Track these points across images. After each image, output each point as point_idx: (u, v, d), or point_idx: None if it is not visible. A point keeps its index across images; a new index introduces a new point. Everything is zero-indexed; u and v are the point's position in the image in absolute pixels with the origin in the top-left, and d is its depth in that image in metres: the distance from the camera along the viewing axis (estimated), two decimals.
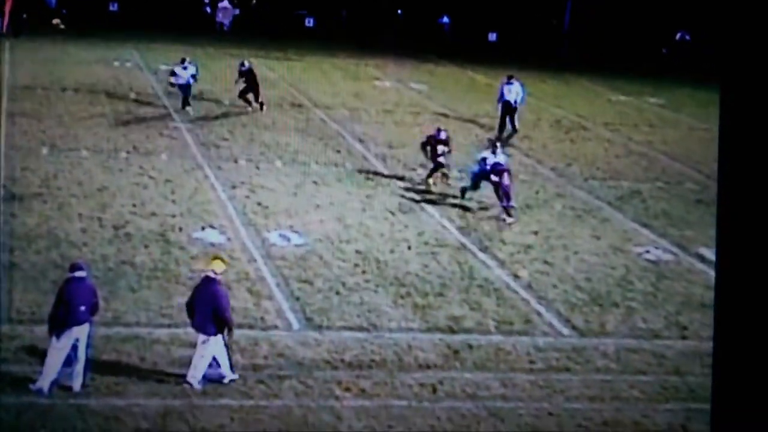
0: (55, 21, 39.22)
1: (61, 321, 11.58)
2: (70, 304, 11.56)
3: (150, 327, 13.75)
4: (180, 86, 26.23)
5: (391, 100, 31.47)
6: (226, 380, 12.32)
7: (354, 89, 32.70)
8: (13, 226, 16.97)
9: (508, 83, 27.30)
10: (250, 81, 27.16)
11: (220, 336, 12.26)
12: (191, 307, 12.43)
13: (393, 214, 19.78)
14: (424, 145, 22.14)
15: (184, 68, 26.30)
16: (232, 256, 16.63)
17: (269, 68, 34.61)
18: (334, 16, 46.92)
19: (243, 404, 11.93)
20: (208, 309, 12.18)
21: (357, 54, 39.50)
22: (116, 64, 32.38)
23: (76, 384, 11.67)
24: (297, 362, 12.92)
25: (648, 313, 15.82)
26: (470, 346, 14.14)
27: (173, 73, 26.38)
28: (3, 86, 27.38)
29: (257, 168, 22.00)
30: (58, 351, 11.58)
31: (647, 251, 18.83)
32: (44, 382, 11.57)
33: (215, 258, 12.88)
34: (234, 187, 20.44)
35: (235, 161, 22.26)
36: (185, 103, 26.09)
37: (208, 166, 21.68)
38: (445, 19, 48.21)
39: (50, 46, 34.28)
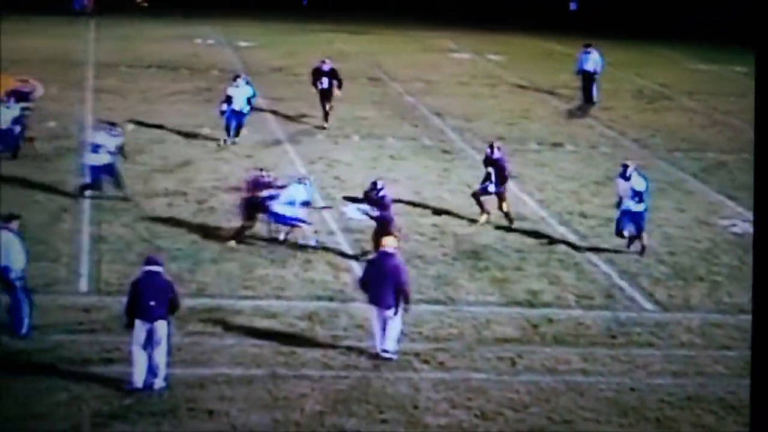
0: None
1: (132, 315, 11.40)
2: (141, 299, 11.31)
3: (233, 299, 14.00)
4: (232, 114, 20.91)
5: (467, 72, 31.29)
6: (388, 354, 12.46)
7: (430, 62, 32.57)
8: (99, 201, 17.40)
9: (586, 52, 26.94)
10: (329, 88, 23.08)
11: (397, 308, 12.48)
12: (368, 281, 12.59)
13: (470, 187, 19.68)
14: None
15: (236, 87, 21.07)
16: (311, 230, 16.80)
17: (345, 42, 34.71)
18: None
19: (323, 374, 12.08)
20: (390, 282, 12.36)
21: (433, 26, 39.30)
22: (198, 41, 32.79)
23: (157, 383, 11.39)
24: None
25: (733, 287, 15.54)
26: (550, 320, 14.07)
27: (227, 100, 20.92)
28: (89, 63, 27.97)
29: (335, 142, 22.12)
30: (137, 347, 11.33)
31: (733, 224, 18.47)
32: (137, 379, 11.37)
33: (388, 236, 13.35)
34: (312, 161, 20.60)
35: (313, 136, 22.41)
36: (235, 133, 21.12)
37: (288, 141, 21.87)
38: None
39: (133, 24, 34.89)
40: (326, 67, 22.97)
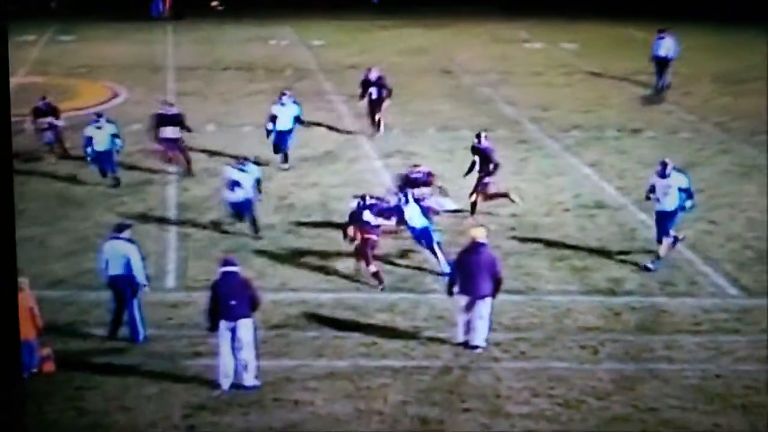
0: (214, 3, 40.52)
1: (215, 316, 11.53)
2: (221, 299, 11.40)
3: (315, 292, 14.22)
4: (278, 135, 19.41)
5: (541, 61, 31.09)
6: (478, 348, 12.57)
7: (503, 52, 32.45)
8: (184, 199, 17.82)
9: (660, 38, 26.57)
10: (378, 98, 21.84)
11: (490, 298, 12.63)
12: (462, 271, 12.62)
13: (548, 176, 19.65)
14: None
15: (282, 105, 19.51)
16: (388, 222, 16.93)
17: (419, 36, 34.79)
18: None
19: (405, 365, 12.21)
20: (485, 272, 12.50)
21: (505, 17, 39.10)
22: (273, 41, 33.21)
23: (248, 380, 11.52)
24: (455, 324, 13.07)
25: None
26: (632, 308, 13.98)
27: (272, 119, 19.43)
28: (169, 67, 28.58)
29: (410, 136, 22.23)
30: (222, 347, 11.46)
31: None
32: (224, 381, 11.49)
33: (476, 227, 13.59)
34: (388, 155, 20.74)
35: (389, 129, 22.54)
36: (283, 158, 19.63)
37: (363, 136, 22.04)
38: None
39: (210, 28, 35.49)
40: (374, 76, 21.91)
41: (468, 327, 12.66)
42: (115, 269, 12.28)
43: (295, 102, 19.67)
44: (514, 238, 16.50)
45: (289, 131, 19.40)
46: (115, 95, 25.14)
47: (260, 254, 15.41)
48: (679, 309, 13.95)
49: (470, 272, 12.57)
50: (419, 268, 15.13)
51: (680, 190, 15.18)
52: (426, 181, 16.39)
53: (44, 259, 15.01)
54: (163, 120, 18.57)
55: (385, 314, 13.61)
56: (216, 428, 10.82)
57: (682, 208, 15.29)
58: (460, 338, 12.71)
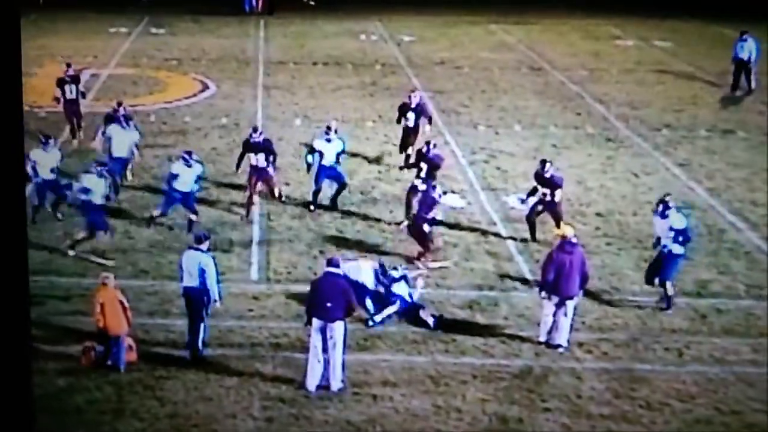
0: None
1: (309, 313, 11.48)
2: (317, 298, 11.45)
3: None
4: (322, 169, 17.18)
5: (632, 58, 30.54)
6: (560, 349, 12.51)
7: (594, 49, 31.98)
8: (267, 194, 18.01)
9: (742, 40, 25.88)
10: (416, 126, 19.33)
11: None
12: (555, 270, 12.43)
13: (636, 175, 19.32)
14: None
15: (328, 140, 17.19)
16: (471, 219, 16.91)
17: (506, 33, 34.54)
18: None
19: (484, 362, 12.16)
20: (575, 271, 12.42)
21: (597, 13, 38.53)
22: (362, 37, 33.35)
23: (334, 384, 11.49)
24: (536, 323, 12.95)
25: None
26: (718, 311, 13.68)
27: (312, 150, 17.37)
28: (259, 61, 28.94)
29: (496, 133, 22.08)
30: (313, 346, 11.49)
31: None
32: (309, 381, 11.50)
33: (565, 224, 13.41)
34: (474, 152, 20.64)
35: (475, 127, 22.45)
36: (332, 199, 17.36)
37: (449, 133, 21.98)
38: None
39: (300, 22, 35.78)
40: (414, 102, 19.47)
41: (552, 326, 12.54)
42: (190, 280, 12.00)
43: (339, 137, 17.40)
44: (600, 236, 16.28)
45: (336, 168, 17.18)
46: (205, 88, 25.55)
47: (341, 245, 15.49)
48: (765, 312, 13.58)
49: (561, 271, 12.41)
50: (498, 266, 15.02)
51: (674, 230, 13.62)
52: (438, 164, 16.40)
53: (130, 251, 15.32)
54: (250, 148, 16.95)
55: (465, 311, 13.56)
56: (295, 421, 10.92)
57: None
58: (543, 337, 12.60)
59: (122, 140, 17.47)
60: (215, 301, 12.10)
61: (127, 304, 11.85)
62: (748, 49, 25.73)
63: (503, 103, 24.57)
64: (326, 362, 11.47)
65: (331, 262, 11.78)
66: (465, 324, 13.16)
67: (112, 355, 11.79)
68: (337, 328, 11.42)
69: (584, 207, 17.56)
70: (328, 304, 11.38)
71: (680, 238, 13.57)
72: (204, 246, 12.15)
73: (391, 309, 13.23)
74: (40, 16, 34.50)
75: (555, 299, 12.49)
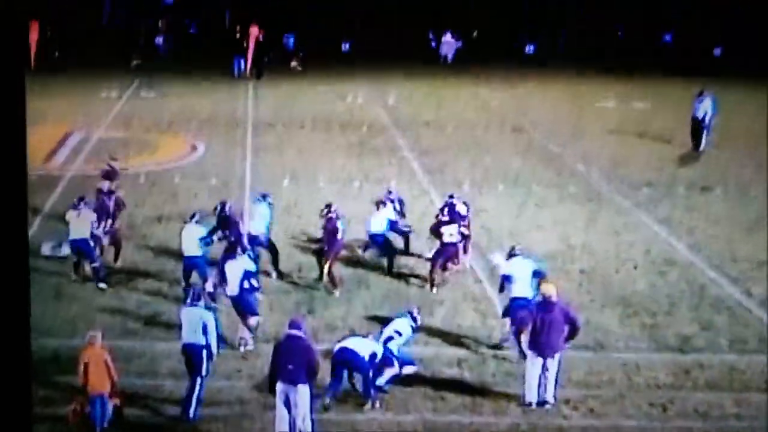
0: (293, 63, 41.49)
1: (272, 377, 11.52)
2: (280, 361, 11.40)
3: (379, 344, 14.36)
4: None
5: (612, 119, 31.13)
6: (547, 405, 12.56)
7: (575, 110, 32.59)
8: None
9: (699, 98, 26.54)
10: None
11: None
12: (535, 328, 12.54)
13: (618, 233, 19.66)
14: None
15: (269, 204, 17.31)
16: (457, 277, 17.12)
17: (490, 95, 35.17)
18: (553, 40, 46.83)
19: (473, 420, 12.27)
20: (560, 329, 12.52)
21: (577, 76, 39.32)
22: (349, 98, 33.88)
23: None
24: (524, 381, 13.10)
25: None
26: (701, 366, 13.89)
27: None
28: (248, 123, 29.36)
29: (480, 192, 22.43)
30: (278, 410, 11.37)
31: None
32: None
33: (546, 282, 13.27)
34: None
35: (459, 186, 22.77)
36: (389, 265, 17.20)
37: (434, 192, 22.29)
38: (668, 38, 47.19)
39: (288, 85, 36.35)
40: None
41: (540, 384, 12.63)
42: (191, 336, 12.10)
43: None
44: (583, 293, 16.52)
45: (382, 235, 17.19)
46: (194, 149, 25.89)
47: (330, 306, 15.68)
48: (749, 366, 13.81)
49: (542, 330, 12.52)
50: (485, 324, 15.22)
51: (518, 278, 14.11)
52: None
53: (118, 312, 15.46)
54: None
55: (453, 369, 13.71)
56: None
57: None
58: (533, 398, 12.60)
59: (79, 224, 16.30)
60: (215, 355, 12.24)
61: (111, 364, 11.86)
62: (704, 108, 26.36)
63: (487, 163, 24.98)
64: (292, 425, 11.36)
65: (292, 324, 11.77)
66: (453, 382, 13.30)
67: (91, 414, 11.79)
68: (301, 391, 11.33)
69: (568, 264, 17.83)
70: (290, 367, 11.31)
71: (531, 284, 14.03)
72: (201, 302, 12.29)
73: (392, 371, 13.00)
74: (30, 79, 34.85)
75: (537, 358, 12.59)
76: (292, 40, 44.69)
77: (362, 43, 45.67)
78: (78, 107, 31.01)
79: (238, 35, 39.85)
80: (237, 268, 14.16)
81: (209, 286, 15.07)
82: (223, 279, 14.48)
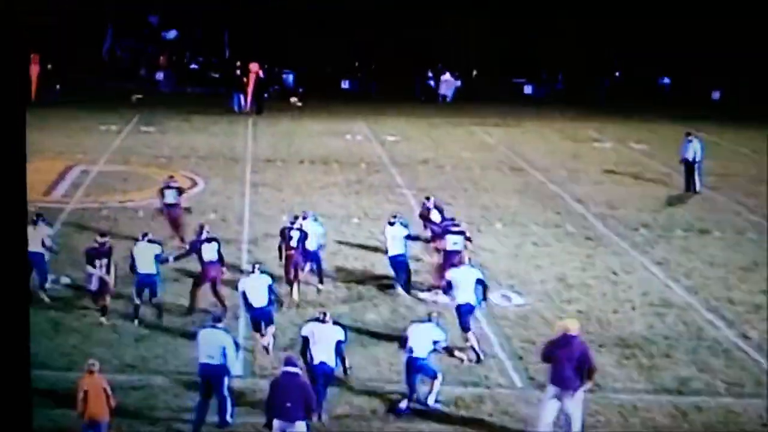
0: (293, 99, 41.80)
1: (269, 414, 11.58)
2: (276, 399, 11.48)
3: (380, 382, 14.34)
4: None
5: (610, 159, 31.34)
6: None
7: (573, 151, 32.81)
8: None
9: (688, 141, 26.81)
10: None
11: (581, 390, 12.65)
12: (549, 361, 12.71)
13: (616, 273, 19.71)
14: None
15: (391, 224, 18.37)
16: (455, 316, 17.11)
17: (487, 134, 35.40)
18: (551, 82, 47.31)
19: None
20: (573, 364, 12.51)
21: (575, 117, 39.64)
22: (348, 136, 34.08)
23: None
24: (521, 420, 13.13)
25: None
26: (699, 408, 13.88)
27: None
28: (247, 159, 29.50)
29: (478, 230, 22.48)
30: None
31: None
32: None
33: (568, 318, 13.74)
34: None
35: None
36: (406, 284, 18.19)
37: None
38: (666, 80, 47.65)
39: (287, 122, 36.58)
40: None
41: (560, 421, 12.54)
42: (210, 358, 12.42)
43: (402, 223, 18.27)
44: (581, 334, 16.47)
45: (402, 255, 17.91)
46: (194, 184, 25.98)
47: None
48: (746, 409, 13.82)
49: (560, 364, 12.51)
50: (482, 363, 15.23)
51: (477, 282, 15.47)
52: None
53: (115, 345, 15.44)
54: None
55: (450, 407, 13.70)
56: None
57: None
58: (544, 428, 12.55)
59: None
60: (233, 376, 12.72)
61: (110, 392, 11.89)
62: (693, 149, 26.64)
63: (485, 202, 25.09)
64: None
65: (288, 362, 11.84)
66: (450, 420, 13.26)
67: None
68: (299, 427, 11.40)
69: (565, 304, 17.86)
70: (288, 404, 11.38)
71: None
72: (221, 324, 12.78)
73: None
74: (30, 113, 35.03)
75: (555, 391, 12.56)
76: (292, 77, 45.06)
77: (361, 80, 46.08)
78: (78, 141, 31.15)
79: (238, 71, 40.12)
80: (258, 283, 15.06)
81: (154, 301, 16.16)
82: (244, 297, 15.10)
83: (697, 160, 26.68)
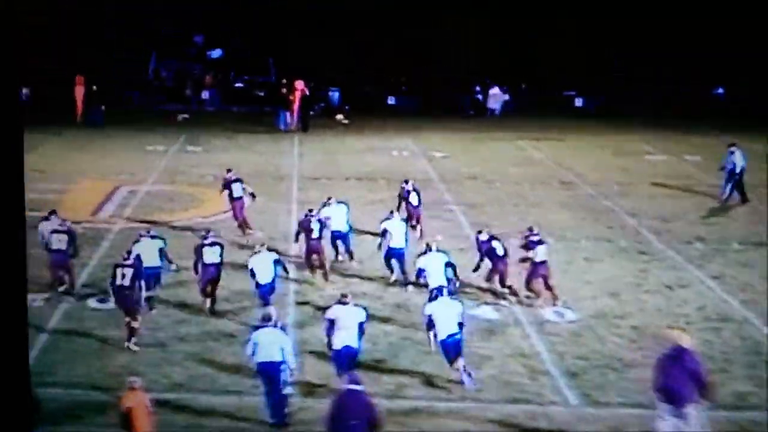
0: (339, 116, 41.77)
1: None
2: (341, 417, 11.31)
3: (429, 400, 14.10)
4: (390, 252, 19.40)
5: (662, 173, 30.77)
6: None
7: (624, 164, 32.30)
8: (303, 306, 18.04)
9: (730, 152, 26.43)
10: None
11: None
12: (658, 376, 12.38)
13: (670, 288, 19.25)
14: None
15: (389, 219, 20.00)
16: (506, 332, 16.85)
17: (536, 148, 35.02)
18: (600, 94, 46.58)
19: None
20: (686, 376, 12.19)
21: (626, 130, 39.07)
22: (394, 152, 33.90)
23: None
24: None
25: None
26: (757, 423, 13.45)
27: (384, 233, 19.54)
28: (294, 177, 29.42)
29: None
30: None
31: None
32: None
33: (679, 329, 13.33)
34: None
35: (506, 239, 22.46)
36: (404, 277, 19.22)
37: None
38: (720, 90, 46.85)
39: (332, 139, 36.49)
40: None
41: None
42: (268, 356, 13.03)
43: (403, 220, 20.42)
44: (635, 350, 16.14)
45: (402, 249, 19.11)
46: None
47: (375, 361, 15.44)
48: None
49: (671, 378, 12.16)
50: (534, 379, 14.89)
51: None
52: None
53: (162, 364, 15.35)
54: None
55: (501, 426, 13.39)
56: None
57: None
58: None
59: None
60: (293, 371, 13.35)
61: (151, 409, 11.87)
62: (733, 161, 26.23)
63: (534, 217, 24.65)
64: None
65: (351, 379, 11.70)
66: None
67: None
68: None
69: (619, 320, 17.46)
70: (353, 422, 11.21)
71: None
72: (272, 322, 13.36)
73: None
74: (76, 134, 35.50)
75: (668, 408, 12.19)
76: (337, 94, 45.02)
77: (408, 96, 45.89)
78: (124, 161, 31.31)
79: (283, 89, 40.21)
80: (265, 260, 16.89)
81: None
82: (252, 274, 16.76)
83: (739, 170, 26.18)
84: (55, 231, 18.15)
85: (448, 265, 17.05)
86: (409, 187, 22.48)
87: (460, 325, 14.47)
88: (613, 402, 14.23)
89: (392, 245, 19.00)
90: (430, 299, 15.31)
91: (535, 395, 14.36)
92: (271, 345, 13.06)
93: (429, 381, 14.73)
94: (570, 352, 15.96)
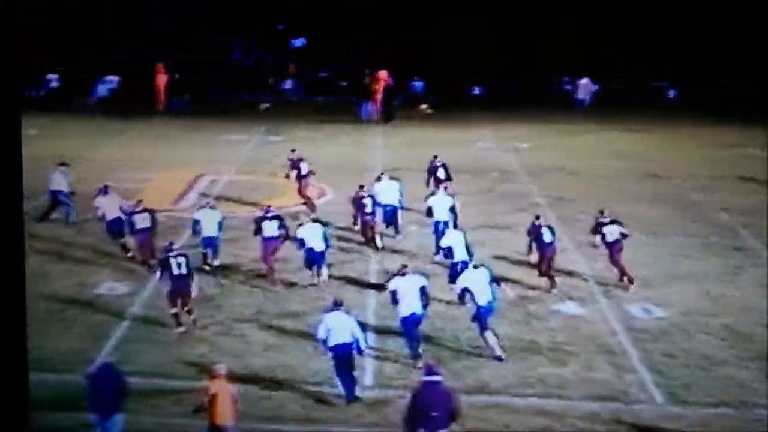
0: (423, 106, 41.44)
1: (413, 425, 11.29)
2: (422, 409, 11.19)
3: (510, 396, 13.78)
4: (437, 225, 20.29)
5: (754, 166, 29.67)
6: None
7: (714, 157, 31.34)
8: (382, 299, 17.82)
9: None
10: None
11: None
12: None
13: (765, 285, 18.50)
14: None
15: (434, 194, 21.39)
16: (592, 328, 16.41)
17: (620, 140, 34.24)
18: (696, 85, 45.07)
19: None
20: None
21: (718, 121, 37.91)
22: (479, 144, 33.45)
23: None
24: None
25: None
26: None
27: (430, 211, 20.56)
28: (376, 168, 29.13)
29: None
30: None
31: None
32: None
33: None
34: (593, 259, 20.09)
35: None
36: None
37: (569, 240, 21.47)
38: None
39: (415, 131, 36.13)
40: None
41: None
42: (340, 338, 13.53)
43: (451, 195, 21.10)
44: (726, 348, 15.56)
45: (446, 223, 19.95)
46: (322, 194, 25.85)
47: (456, 353, 15.15)
48: None
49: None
50: (620, 378, 14.43)
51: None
52: None
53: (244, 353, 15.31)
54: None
55: (585, 423, 13.00)
56: None
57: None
58: None
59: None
60: (364, 352, 13.90)
61: (237, 396, 11.85)
62: None
63: (622, 211, 23.86)
64: None
65: (430, 371, 11.54)
66: None
67: None
68: None
69: (709, 318, 16.86)
70: (434, 414, 11.08)
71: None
72: (343, 307, 13.91)
73: None
74: (158, 122, 35.95)
75: None
76: (421, 85, 44.63)
77: (494, 85, 45.28)
78: (207, 150, 31.50)
79: (367, 80, 40.03)
80: (314, 231, 18.15)
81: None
82: (301, 243, 18.05)
83: None
84: (135, 212, 19.18)
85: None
86: (437, 162, 23.67)
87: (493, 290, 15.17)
88: (700, 401, 13.73)
89: (437, 218, 19.97)
90: (457, 274, 16.23)
91: (621, 393, 13.92)
92: (343, 328, 13.58)
93: (508, 376, 14.38)
94: (658, 350, 15.46)
